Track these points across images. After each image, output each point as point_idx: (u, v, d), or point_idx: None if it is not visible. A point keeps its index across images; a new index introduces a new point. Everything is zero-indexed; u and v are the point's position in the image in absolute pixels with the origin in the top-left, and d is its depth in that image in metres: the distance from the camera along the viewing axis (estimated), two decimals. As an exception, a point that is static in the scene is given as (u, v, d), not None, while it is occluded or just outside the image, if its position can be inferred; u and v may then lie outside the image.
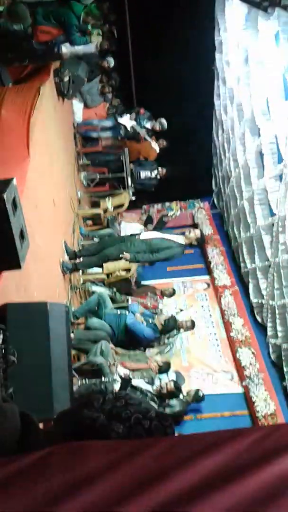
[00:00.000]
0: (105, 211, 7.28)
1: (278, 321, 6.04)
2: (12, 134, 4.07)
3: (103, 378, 4.26)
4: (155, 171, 8.03)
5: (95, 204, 7.72)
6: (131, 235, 5.74)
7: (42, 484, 0.87)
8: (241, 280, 7.76)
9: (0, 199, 2.51)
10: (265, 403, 5.69)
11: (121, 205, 7.45)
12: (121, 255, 5.21)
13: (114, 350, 4.96)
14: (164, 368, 5.28)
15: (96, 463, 0.90)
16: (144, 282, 7.36)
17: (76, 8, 5.07)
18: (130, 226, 7.59)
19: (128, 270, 6.42)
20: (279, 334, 6.03)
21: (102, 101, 8.10)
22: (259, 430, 0.96)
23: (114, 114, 7.94)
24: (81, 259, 5.61)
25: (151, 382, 4.83)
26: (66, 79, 5.83)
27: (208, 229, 8.69)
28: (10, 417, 1.24)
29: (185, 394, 5.51)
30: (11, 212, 2.60)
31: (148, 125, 7.86)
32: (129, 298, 6.23)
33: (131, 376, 4.32)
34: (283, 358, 6.00)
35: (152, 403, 4.42)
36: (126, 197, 7.48)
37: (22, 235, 2.83)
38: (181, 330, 6.19)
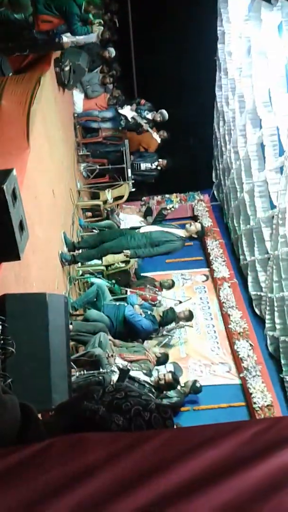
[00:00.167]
0: (105, 202, 7.26)
1: (276, 313, 6.06)
2: (12, 125, 4.06)
3: (101, 369, 4.28)
4: (156, 163, 8.01)
5: (95, 196, 7.70)
6: (131, 228, 5.73)
7: (42, 476, 0.87)
8: (240, 272, 7.77)
9: (0, 190, 2.50)
10: (262, 394, 5.73)
11: (121, 197, 7.43)
12: (122, 252, 5.22)
13: (113, 342, 4.97)
14: (162, 359, 5.31)
15: (96, 455, 0.91)
16: (143, 274, 7.37)
17: (78, -3, 5.03)
18: (129, 217, 7.58)
19: (127, 262, 6.42)
20: (277, 327, 6.06)
21: (102, 92, 8.04)
22: (260, 422, 0.96)
23: (115, 104, 7.89)
24: (80, 251, 5.61)
25: (149, 374, 4.85)
26: (66, 69, 5.79)
27: (207, 222, 8.69)
28: (10, 409, 1.25)
29: (182, 385, 5.54)
30: (10, 203, 2.60)
31: (149, 116, 7.82)
32: (128, 290, 6.24)
33: (129, 368, 4.33)
34: (280, 350, 6.03)
35: (150, 395, 4.45)
36: (126, 188, 7.46)
37: (21, 226, 2.83)
38: (180, 322, 6.22)
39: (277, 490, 0.80)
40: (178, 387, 5.38)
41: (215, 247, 8.19)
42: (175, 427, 1.30)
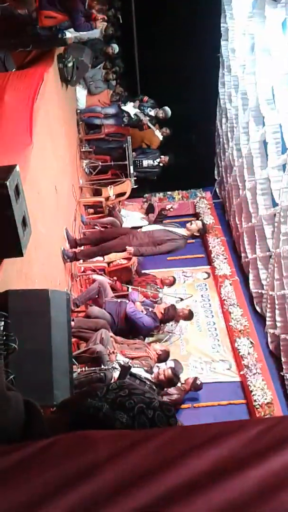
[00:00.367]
0: (107, 199, 7.26)
1: (277, 311, 6.06)
2: (15, 121, 4.05)
3: (102, 366, 4.29)
4: (158, 159, 8.00)
5: (97, 192, 7.70)
6: (133, 228, 5.74)
7: (45, 474, 0.87)
8: (241, 270, 7.77)
9: (3, 186, 2.50)
10: (262, 392, 5.74)
11: (123, 193, 7.43)
12: (126, 248, 5.21)
13: (114, 339, 4.98)
14: (163, 356, 5.31)
15: (99, 454, 0.91)
16: (144, 271, 7.37)
17: (81, -8, 5.01)
18: (131, 214, 7.58)
19: (128, 258, 6.43)
20: (278, 325, 6.05)
21: (105, 88, 8.03)
22: (264, 421, 0.96)
23: (118, 101, 7.88)
24: (82, 247, 5.62)
25: (150, 371, 4.86)
26: (70, 65, 5.78)
27: (209, 219, 8.68)
28: (14, 405, 1.25)
29: (183, 382, 5.55)
30: (13, 199, 2.60)
31: (152, 113, 7.81)
32: (130, 287, 6.25)
33: (130, 365, 4.34)
34: (281, 348, 6.03)
35: (153, 392, 4.45)
36: (128, 185, 7.45)
37: (24, 223, 2.83)
38: (180, 320, 6.23)
39: (280, 489, 0.80)
40: (179, 384, 5.39)
41: (216, 244, 8.19)
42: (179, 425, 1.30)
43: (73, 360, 3.66)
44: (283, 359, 5.99)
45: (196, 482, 0.81)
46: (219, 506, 0.77)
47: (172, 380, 4.88)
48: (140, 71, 9.21)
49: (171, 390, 5.28)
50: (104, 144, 7.87)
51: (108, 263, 6.33)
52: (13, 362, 2.47)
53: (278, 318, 6.06)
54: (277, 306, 6.05)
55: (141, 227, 5.67)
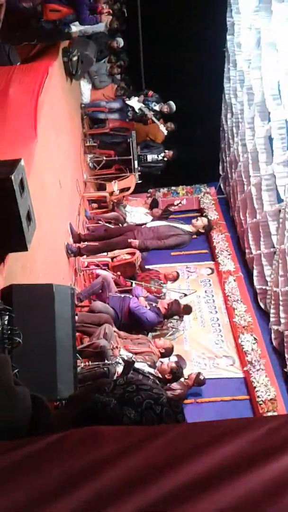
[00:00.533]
0: (111, 194, 7.25)
1: (281, 308, 6.05)
2: (19, 114, 4.04)
3: (106, 360, 4.29)
4: (162, 154, 7.97)
5: (101, 187, 7.68)
6: (137, 225, 5.73)
7: (55, 469, 0.87)
8: (246, 266, 7.76)
9: (8, 180, 2.50)
10: (266, 388, 5.74)
11: (127, 188, 7.41)
12: (129, 241, 5.20)
13: (117, 333, 4.98)
14: (167, 352, 5.30)
15: (107, 450, 0.91)
16: (148, 267, 7.37)
17: (87, -14, 4.98)
18: (135, 209, 7.57)
19: (132, 254, 6.42)
20: (282, 321, 6.04)
21: (110, 82, 8.00)
22: (274, 419, 0.95)
23: (122, 95, 7.85)
24: (86, 242, 5.61)
25: (153, 366, 4.86)
26: (74, 59, 5.75)
27: (213, 215, 8.66)
28: (22, 400, 1.26)
29: (186, 377, 5.55)
30: (18, 193, 2.59)
31: (157, 107, 7.78)
32: (133, 282, 6.24)
33: (134, 359, 4.35)
34: (285, 344, 6.02)
35: (161, 388, 4.45)
36: (132, 180, 7.43)
37: (29, 217, 2.83)
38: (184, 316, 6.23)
39: None
40: (182, 380, 5.39)
41: (220, 240, 8.17)
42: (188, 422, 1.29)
43: (77, 354, 3.66)
44: (286, 356, 5.98)
45: (205, 480, 0.81)
46: (227, 504, 0.76)
47: (175, 375, 4.89)
48: (145, 65, 9.17)
49: (174, 385, 5.28)
50: (109, 138, 7.84)
51: (112, 258, 6.33)
52: (17, 356, 2.47)
53: (282, 315, 6.05)
54: (281, 303, 6.04)
55: (145, 224, 5.65)
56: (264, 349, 6.29)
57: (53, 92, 5.09)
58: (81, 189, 6.77)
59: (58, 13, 4.97)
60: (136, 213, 7.41)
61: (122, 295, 5.52)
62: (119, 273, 6.21)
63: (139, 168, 7.61)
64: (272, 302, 6.43)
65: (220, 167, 9.85)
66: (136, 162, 7.51)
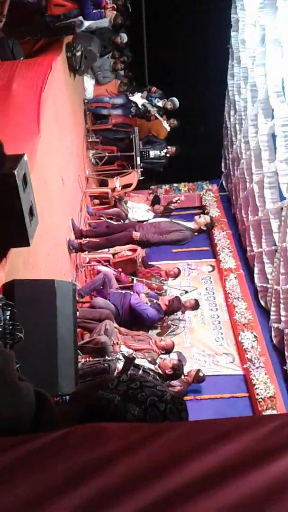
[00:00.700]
0: (113, 190, 7.24)
1: (282, 306, 6.05)
2: (23, 109, 4.03)
3: (106, 356, 4.30)
4: (165, 150, 7.96)
5: (103, 183, 7.68)
6: (139, 221, 5.73)
7: (59, 465, 0.87)
8: (247, 263, 7.75)
9: (11, 175, 2.50)
10: (265, 386, 5.75)
11: (129, 185, 7.40)
12: (132, 233, 5.19)
13: (118, 330, 4.99)
14: (167, 350, 5.31)
15: (113, 446, 0.91)
16: (149, 263, 7.36)
17: (91, -20, 4.96)
18: (137, 206, 7.56)
19: (134, 250, 6.42)
20: (283, 319, 6.05)
21: (113, 78, 7.97)
22: (279, 417, 0.95)
23: (126, 91, 7.83)
24: (88, 238, 5.61)
25: (153, 362, 4.88)
26: (78, 54, 5.73)
27: (215, 212, 8.66)
28: (25, 395, 1.26)
29: (186, 374, 5.57)
30: (21, 188, 2.59)
31: (160, 103, 7.75)
32: (134, 278, 6.25)
33: (134, 356, 4.35)
34: (285, 342, 6.03)
35: (164, 386, 4.46)
36: (134, 176, 7.42)
37: (31, 212, 2.83)
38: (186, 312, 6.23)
39: None
40: (182, 376, 5.40)
41: (222, 237, 8.17)
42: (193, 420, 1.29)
43: (78, 350, 3.67)
44: (286, 354, 5.99)
45: (209, 478, 0.81)
46: (232, 503, 0.76)
47: (177, 372, 4.90)
48: (149, 61, 9.13)
49: (174, 382, 5.29)
50: (111, 134, 7.83)
51: (113, 255, 6.33)
52: (18, 352, 2.47)
53: (282, 313, 6.06)
54: (282, 301, 6.05)
55: (147, 220, 5.65)
56: (264, 347, 6.30)
57: (56, 87, 5.07)
58: (83, 185, 6.77)
59: (62, 7, 4.95)
60: (138, 209, 7.41)
61: (123, 292, 5.53)
62: (120, 269, 6.22)
63: (141, 165, 7.59)
64: (273, 300, 6.43)
65: (223, 164, 9.83)
66: (138, 158, 7.49)
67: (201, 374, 5.70)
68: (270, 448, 0.86)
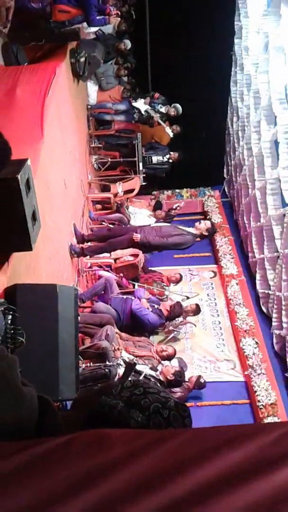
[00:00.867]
0: (115, 195, 7.25)
1: (284, 312, 6.04)
2: (26, 114, 4.04)
3: (107, 362, 4.29)
4: (167, 155, 7.98)
5: (105, 188, 7.69)
6: (141, 226, 5.73)
7: (63, 471, 0.87)
8: (248, 270, 7.75)
9: (14, 179, 2.50)
10: (266, 393, 5.73)
11: (131, 190, 7.41)
12: (133, 235, 5.19)
13: (119, 335, 4.98)
14: (169, 357, 5.28)
15: (116, 453, 0.90)
16: (151, 269, 7.36)
17: (96, -13, 4.99)
18: (139, 211, 7.57)
19: (135, 255, 6.42)
20: (284, 326, 6.04)
21: (117, 84, 8.01)
22: (284, 425, 0.95)
23: (129, 97, 7.86)
24: (89, 243, 5.61)
25: (154, 369, 4.86)
26: (82, 60, 5.76)
27: (217, 218, 8.66)
28: (29, 400, 1.25)
29: (186, 380, 5.55)
30: (24, 193, 2.59)
31: (163, 109, 7.79)
32: (136, 283, 6.24)
33: (135, 361, 4.34)
34: (286, 349, 6.02)
35: (168, 392, 4.44)
36: (137, 182, 7.44)
37: (34, 217, 2.83)
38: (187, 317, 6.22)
39: None
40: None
41: (224, 243, 8.17)
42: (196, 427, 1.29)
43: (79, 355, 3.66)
44: (288, 360, 5.98)
45: (213, 486, 0.80)
46: (236, 511, 0.76)
47: (178, 379, 4.88)
48: (152, 67, 9.17)
49: (175, 388, 5.27)
50: (114, 140, 7.85)
51: (115, 260, 6.33)
52: (19, 356, 2.47)
53: (284, 319, 6.04)
54: (283, 307, 6.04)
55: (149, 225, 5.66)
56: (265, 354, 6.28)
57: (60, 93, 5.09)
58: (85, 190, 6.78)
59: (67, 14, 4.97)
60: (140, 215, 7.41)
61: (125, 297, 5.52)
62: (121, 274, 6.21)
63: (143, 170, 7.61)
64: (275, 306, 6.42)
65: (225, 170, 9.85)
66: (141, 164, 7.51)
67: (202, 380, 5.68)
68: (274, 456, 0.85)
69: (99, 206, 7.48)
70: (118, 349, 4.59)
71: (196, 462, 0.85)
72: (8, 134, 2.57)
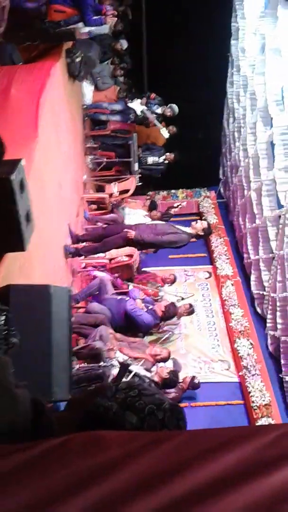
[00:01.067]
0: (110, 195, 7.24)
1: (278, 313, 6.05)
2: (21, 114, 4.03)
3: (101, 362, 4.29)
4: (163, 156, 7.97)
5: (100, 188, 7.68)
6: (136, 224, 5.72)
7: (60, 472, 0.87)
8: (243, 270, 7.76)
9: (8, 180, 2.49)
10: (261, 393, 5.74)
11: (126, 191, 7.40)
12: (127, 231, 5.17)
13: (113, 335, 4.97)
14: (163, 360, 5.27)
15: (113, 453, 0.90)
16: (146, 269, 7.36)
17: (92, -13, 4.98)
18: (134, 211, 7.56)
19: (130, 256, 6.41)
20: (279, 327, 6.05)
21: (112, 84, 8.00)
22: (280, 427, 0.95)
23: (125, 97, 7.85)
24: (84, 243, 5.60)
25: (149, 370, 4.86)
26: (78, 60, 5.74)
27: (213, 218, 8.66)
28: (22, 402, 1.25)
29: (181, 381, 5.55)
30: (18, 193, 2.58)
31: (159, 110, 7.78)
32: (130, 284, 6.24)
33: (129, 362, 4.34)
34: (281, 350, 6.03)
35: (163, 394, 4.43)
36: (132, 182, 7.43)
37: (28, 217, 2.82)
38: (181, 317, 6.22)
39: None
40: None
41: (219, 244, 8.17)
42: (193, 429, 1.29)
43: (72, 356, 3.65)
44: (282, 361, 5.98)
45: (209, 487, 0.81)
46: (236, 511, 0.76)
47: (172, 380, 4.88)
48: (148, 68, 9.17)
49: (169, 388, 5.27)
50: (110, 140, 7.84)
51: (110, 260, 6.32)
52: (12, 357, 2.46)
53: (279, 320, 6.05)
54: (278, 308, 6.05)
55: (144, 223, 5.65)
56: (260, 354, 6.29)
57: (55, 93, 5.08)
58: (80, 190, 6.76)
59: (63, 14, 4.97)
60: (135, 215, 7.40)
61: (119, 297, 5.51)
62: (116, 275, 6.20)
63: (139, 171, 7.60)
64: (269, 307, 6.44)
65: (221, 171, 9.86)
66: (136, 165, 7.50)
67: (196, 381, 5.68)
68: (271, 458, 0.86)
69: (94, 206, 7.47)
70: (113, 349, 4.58)
71: (194, 464, 0.85)
72: (2, 134, 2.56)
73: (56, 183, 5.06)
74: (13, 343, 2.39)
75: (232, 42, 8.11)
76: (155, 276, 7.04)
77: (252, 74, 6.85)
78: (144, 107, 7.67)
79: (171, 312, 5.79)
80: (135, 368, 4.49)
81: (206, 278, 7.91)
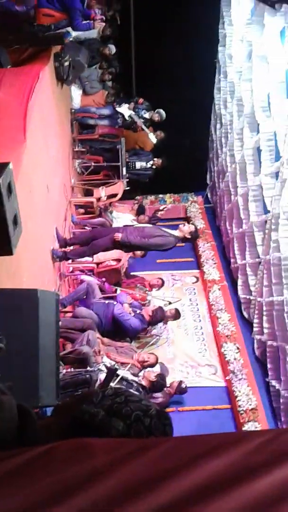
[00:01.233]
0: (98, 200, 7.24)
1: (265, 318, 6.09)
2: (9, 117, 4.02)
3: (88, 367, 4.27)
4: (151, 162, 8.00)
5: (88, 192, 7.67)
6: (125, 226, 5.73)
7: (45, 479, 0.86)
8: (230, 275, 7.80)
9: (-5, 183, 2.47)
10: (247, 398, 5.76)
11: (114, 195, 7.41)
12: (114, 235, 5.17)
13: (101, 340, 4.96)
14: (150, 366, 5.26)
15: (100, 460, 0.90)
16: (133, 273, 7.36)
17: (80, -8, 5.00)
18: (122, 216, 7.57)
19: (118, 260, 6.41)
20: (265, 331, 6.08)
21: (101, 89, 8.01)
22: (264, 433, 0.96)
23: (113, 102, 7.87)
24: (72, 247, 5.59)
25: (136, 374, 4.85)
26: (66, 64, 5.75)
27: (200, 223, 8.70)
28: (8, 409, 1.24)
29: (168, 385, 5.55)
30: (5, 197, 2.56)
31: (146, 115, 7.81)
32: (118, 288, 6.23)
33: (116, 367, 4.32)
34: (267, 354, 6.06)
35: (150, 400, 4.43)
36: (120, 186, 7.44)
37: (15, 221, 2.80)
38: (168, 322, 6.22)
39: (281, 502, 0.80)
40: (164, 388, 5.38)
41: (206, 249, 8.20)
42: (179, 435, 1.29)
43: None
44: (268, 366, 6.02)
45: (196, 493, 0.81)
46: None
47: (159, 384, 4.88)
48: (136, 73, 9.19)
49: (156, 393, 5.26)
50: (98, 144, 7.85)
51: (97, 264, 6.31)
52: (-1, 362, 2.44)
53: (265, 325, 6.09)
54: (264, 313, 6.09)
55: (132, 226, 5.65)
56: (246, 359, 6.32)
57: (44, 96, 5.07)
58: (68, 194, 6.75)
59: (51, 18, 4.97)
60: (123, 219, 7.41)
61: (107, 302, 5.50)
62: (103, 279, 6.19)
63: (127, 175, 7.61)
64: (256, 312, 6.47)
65: (208, 177, 9.91)
66: (124, 169, 7.51)
67: (183, 385, 5.69)
68: (256, 464, 0.86)
69: (82, 210, 7.46)
70: (99, 353, 4.57)
71: (181, 470, 0.86)
72: (-11, 137, 2.54)
73: (44, 187, 5.05)
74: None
75: (220, 48, 8.17)
76: (142, 281, 7.05)
77: (239, 80, 6.91)
78: (132, 112, 7.70)
79: (158, 317, 5.80)
80: (122, 372, 4.48)
81: (193, 283, 7.94)
